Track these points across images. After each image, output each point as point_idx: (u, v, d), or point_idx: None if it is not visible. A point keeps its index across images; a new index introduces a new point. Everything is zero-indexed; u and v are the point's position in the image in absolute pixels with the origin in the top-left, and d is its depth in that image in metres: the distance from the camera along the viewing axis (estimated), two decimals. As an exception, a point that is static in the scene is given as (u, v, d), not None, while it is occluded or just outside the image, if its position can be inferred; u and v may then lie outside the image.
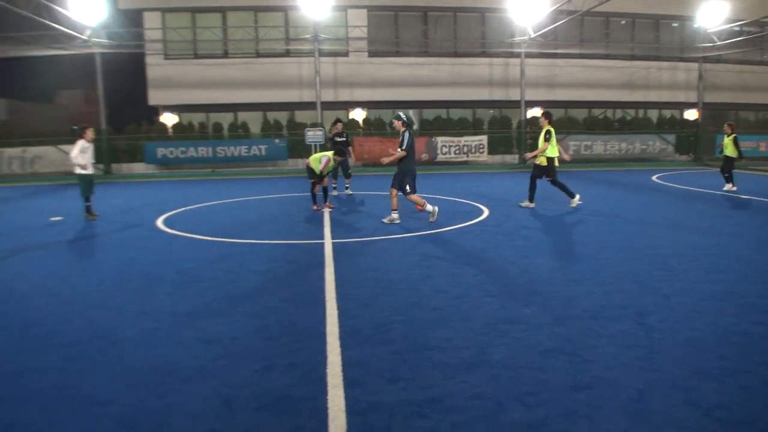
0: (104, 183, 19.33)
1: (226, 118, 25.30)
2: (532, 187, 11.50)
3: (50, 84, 40.58)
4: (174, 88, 24.80)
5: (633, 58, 27.63)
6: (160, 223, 10.23)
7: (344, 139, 13.96)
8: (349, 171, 14.02)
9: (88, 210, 10.87)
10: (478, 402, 3.34)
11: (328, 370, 3.77)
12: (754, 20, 24.16)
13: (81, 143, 10.71)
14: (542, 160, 11.15)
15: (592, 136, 25.29)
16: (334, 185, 14.09)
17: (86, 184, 10.75)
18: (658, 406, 3.29)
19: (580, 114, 27.70)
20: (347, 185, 14.27)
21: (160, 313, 5.08)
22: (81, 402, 3.42)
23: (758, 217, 10.28)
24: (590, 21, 26.69)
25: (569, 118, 26.85)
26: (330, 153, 11.26)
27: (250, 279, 6.19)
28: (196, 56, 25.11)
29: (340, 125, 14.03)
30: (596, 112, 28.09)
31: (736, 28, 25.17)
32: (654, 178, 18.24)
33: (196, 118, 25.38)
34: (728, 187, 13.95)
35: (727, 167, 14.11)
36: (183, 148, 23.00)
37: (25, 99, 36.89)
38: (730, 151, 14.03)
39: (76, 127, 10.88)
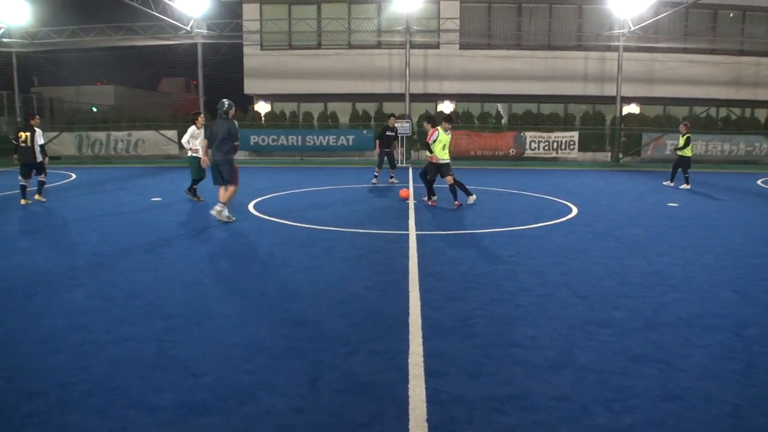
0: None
1: (316, 108, 25.89)
2: (457, 186, 10.99)
3: (154, 72, 42.97)
4: (268, 77, 25.65)
5: (742, 53, 25.80)
6: (251, 207, 10.64)
7: (393, 133, 14.47)
8: (395, 163, 15.07)
9: (194, 191, 11.42)
10: (562, 403, 3.27)
11: (410, 360, 3.80)
12: None
13: (192, 129, 11.31)
14: (445, 158, 10.98)
15: (692, 134, 23.79)
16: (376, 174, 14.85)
17: (196, 166, 11.13)
18: (755, 423, 3.09)
19: (680, 112, 26.22)
20: (392, 174, 15.07)
21: (250, 292, 5.31)
22: (177, 372, 3.64)
23: None
24: (696, 13, 25.17)
25: (668, 116, 25.49)
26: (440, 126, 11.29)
27: (335, 265, 6.34)
28: (291, 47, 25.82)
29: (392, 120, 14.78)
30: (698, 110, 26.48)
31: None
32: (759, 182, 17.00)
33: (288, 107, 26.13)
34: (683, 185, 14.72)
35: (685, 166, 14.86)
36: (274, 136, 23.79)
37: (131, 86, 39.27)
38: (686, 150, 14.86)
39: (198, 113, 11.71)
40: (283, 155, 24.24)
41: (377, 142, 14.88)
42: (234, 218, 9.02)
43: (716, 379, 3.59)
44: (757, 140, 23.74)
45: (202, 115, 11.79)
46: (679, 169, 15.01)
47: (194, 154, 11.21)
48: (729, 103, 26.23)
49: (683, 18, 25.02)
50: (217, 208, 8.82)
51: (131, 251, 7.09)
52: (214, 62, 25.86)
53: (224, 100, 8.89)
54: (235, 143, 8.78)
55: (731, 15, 26.05)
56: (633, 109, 26.11)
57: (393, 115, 15.24)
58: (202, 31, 23.72)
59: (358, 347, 4.03)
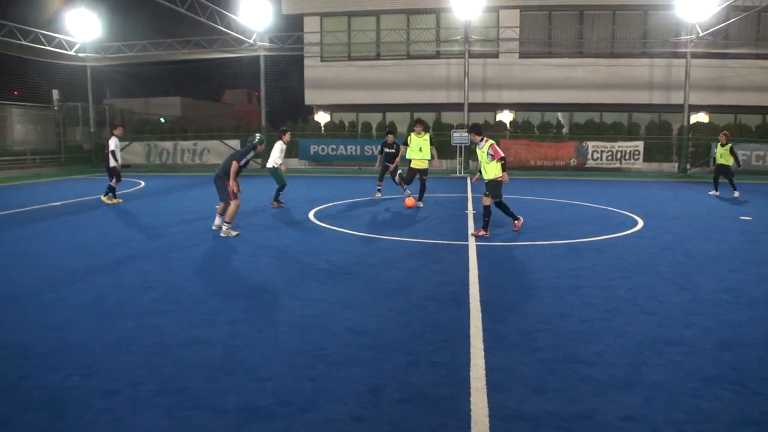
0: (261, 176, 20.79)
1: (374, 118, 26.08)
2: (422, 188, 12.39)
3: (218, 83, 44.42)
4: (328, 88, 26.07)
5: (823, 57, 24.42)
6: (311, 215, 10.80)
7: (393, 150, 13.81)
8: (395, 177, 13.49)
9: (277, 198, 12.17)
10: (631, 424, 3.15)
11: (471, 373, 3.75)
12: None
13: (280, 144, 12.15)
14: (425, 164, 12.57)
15: (766, 145, 22.72)
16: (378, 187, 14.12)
17: (280, 175, 12.07)
18: None
19: (753, 120, 24.99)
20: (379, 187, 14.10)
21: (311, 300, 5.38)
22: (242, 375, 3.72)
23: None
24: (769, 18, 24.02)
25: (740, 125, 24.33)
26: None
27: (395, 275, 6.35)
28: (350, 58, 26.18)
29: (390, 137, 14.08)
30: (773, 118, 25.20)
31: None
32: (844, 195, 15.99)
33: (347, 117, 26.44)
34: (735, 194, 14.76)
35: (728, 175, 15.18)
36: (333, 146, 24.12)
37: (196, 97, 40.72)
38: (725, 159, 15.12)
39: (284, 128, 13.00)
40: (342, 164, 24.53)
41: (379, 157, 13.98)
42: (235, 233, 8.80)
43: (798, 405, 3.39)
44: (838, 150, 22.35)
45: (289, 132, 12.83)
46: (722, 177, 15.07)
47: (275, 165, 12.07)
48: (807, 111, 24.84)
49: (755, 22, 23.87)
50: (223, 227, 8.81)
51: (195, 257, 7.31)
52: (276, 74, 26.47)
53: (257, 134, 9.22)
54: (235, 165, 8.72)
55: (808, 18, 24.73)
56: (702, 117, 25.07)
57: (390, 132, 14.37)
58: (264, 44, 24.35)
59: (419, 358, 4.01)
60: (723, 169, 15.18)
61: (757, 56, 23.93)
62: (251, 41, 23.80)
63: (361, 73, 25.76)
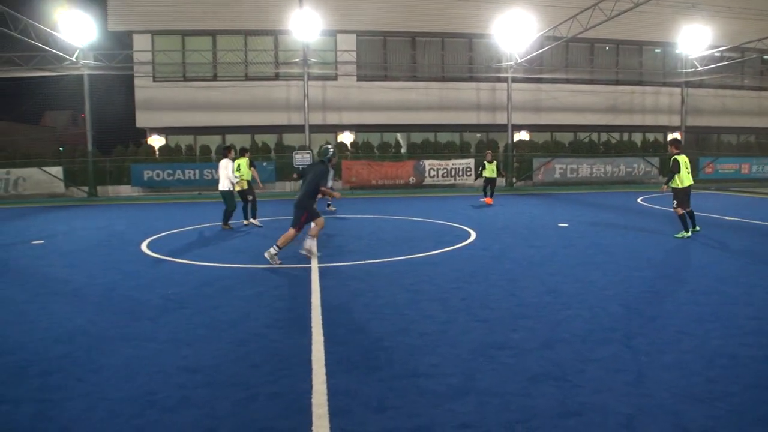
0: (89, 206, 19.19)
1: (213, 141, 25.27)
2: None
3: (38, 105, 40.32)
4: (162, 110, 24.78)
5: (617, 82, 28.07)
6: (144, 246, 10.10)
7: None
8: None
9: (227, 221, 12.05)
10: (466, 431, 3.27)
11: (313, 400, 3.68)
12: (734, 46, 24.69)
13: (227, 162, 12.01)
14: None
15: (577, 159, 25.55)
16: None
17: (231, 197, 12.05)
18: (647, 431, 3.23)
19: (566, 137, 27.98)
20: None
21: (141, 339, 4.96)
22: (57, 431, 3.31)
23: (741, 238, 10.33)
24: (575, 47, 27.13)
25: (555, 142, 27.11)
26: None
27: (234, 305, 6.09)
28: (185, 79, 25.16)
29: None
30: (582, 135, 28.39)
31: (717, 54, 25.68)
32: (639, 200, 18.37)
33: (184, 140, 25.34)
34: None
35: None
36: (170, 171, 22.92)
37: (12, 120, 36.63)
38: (492, 173, 17.86)
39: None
40: (180, 190, 23.33)
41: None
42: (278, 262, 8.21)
43: (610, 392, 3.75)
44: (635, 162, 25.78)
45: (234, 149, 12.58)
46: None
47: (228, 188, 11.93)
48: (608, 128, 28.34)
49: (564, 51, 26.87)
50: (271, 251, 8.18)
51: (8, 301, 6.45)
52: (103, 94, 24.64)
53: (329, 146, 8.83)
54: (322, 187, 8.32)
55: (607, 48, 28.32)
56: (523, 135, 27.55)
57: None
58: (88, 62, 22.57)
59: (258, 391, 3.85)
60: (491, 181, 17.78)
61: (567, 81, 26.92)
62: (73, 59, 21.97)
63: (198, 94, 24.84)
